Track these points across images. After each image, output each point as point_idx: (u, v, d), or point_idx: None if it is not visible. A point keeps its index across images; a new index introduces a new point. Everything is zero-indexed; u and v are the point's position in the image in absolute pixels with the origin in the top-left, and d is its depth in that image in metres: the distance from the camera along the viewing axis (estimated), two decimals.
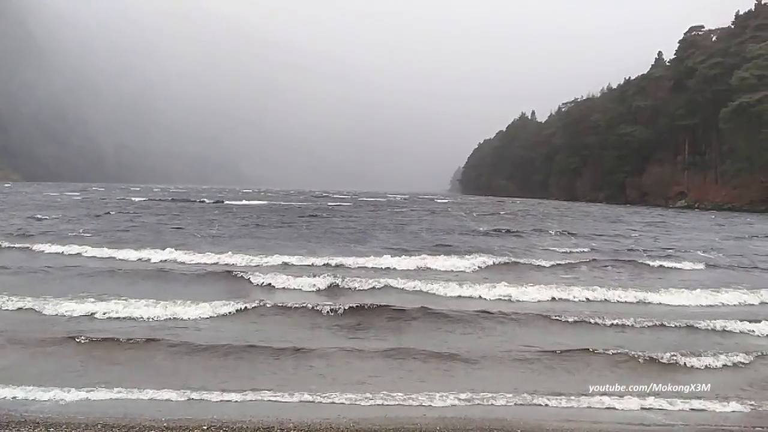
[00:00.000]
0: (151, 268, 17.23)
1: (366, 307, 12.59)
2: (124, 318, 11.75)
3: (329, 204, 68.38)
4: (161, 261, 18.39)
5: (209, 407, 7.67)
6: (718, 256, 23.95)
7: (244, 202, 67.88)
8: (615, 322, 12.19)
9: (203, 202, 65.26)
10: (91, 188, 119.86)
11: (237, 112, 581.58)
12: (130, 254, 19.15)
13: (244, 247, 21.38)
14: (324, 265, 18.21)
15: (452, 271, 18.32)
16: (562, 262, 20.10)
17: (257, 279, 15.37)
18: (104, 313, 11.91)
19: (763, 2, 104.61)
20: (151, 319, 11.68)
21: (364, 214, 47.58)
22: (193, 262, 18.36)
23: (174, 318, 11.77)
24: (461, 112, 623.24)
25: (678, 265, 20.56)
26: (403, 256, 19.65)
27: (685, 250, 25.74)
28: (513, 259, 20.14)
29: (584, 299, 14.43)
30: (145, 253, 19.10)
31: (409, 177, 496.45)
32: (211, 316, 11.93)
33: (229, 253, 19.29)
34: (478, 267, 18.78)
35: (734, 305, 14.56)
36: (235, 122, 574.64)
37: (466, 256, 19.97)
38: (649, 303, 14.50)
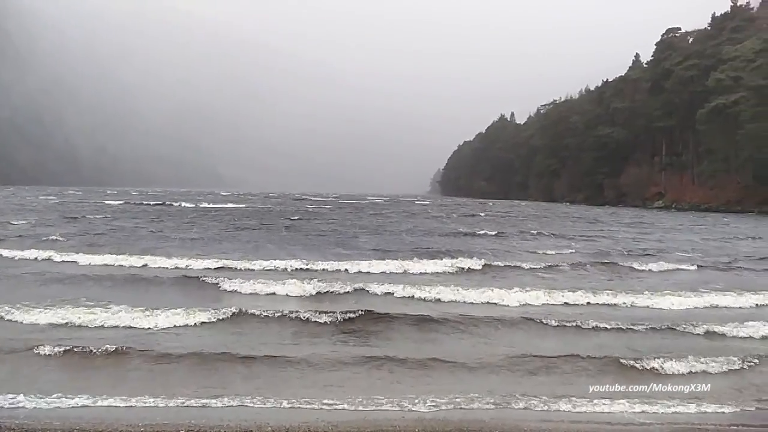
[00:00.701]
0: (125, 274, 16.90)
1: (346, 312, 12.35)
2: (96, 327, 11.41)
3: (308, 207, 67.89)
4: (136, 266, 18.04)
5: (186, 412, 7.57)
6: (701, 256, 24.05)
7: (224, 205, 67.28)
8: (598, 325, 12.10)
9: (180, 205, 64.61)
10: (67, 191, 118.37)
11: (216, 115, 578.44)
12: (104, 259, 18.82)
13: (223, 251, 21.22)
14: (304, 269, 17.96)
15: (435, 273, 18.22)
16: (546, 265, 20.04)
17: (234, 285, 15.08)
18: (76, 321, 11.60)
19: (738, 4, 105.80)
20: (124, 327, 11.36)
21: (343, 217, 47.31)
22: (169, 266, 18.03)
23: (148, 326, 11.47)
24: (441, 114, 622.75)
25: (662, 267, 20.57)
26: (387, 260, 19.46)
27: (668, 251, 25.84)
28: (496, 262, 20.06)
29: (568, 302, 14.33)
30: (119, 258, 18.78)
31: (388, 179, 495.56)
32: (187, 324, 11.63)
33: (210, 257, 19.11)
34: (462, 269, 18.70)
35: (721, 307, 14.53)
36: (214, 125, 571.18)
37: (448, 259, 19.91)
38: (634, 306, 14.42)
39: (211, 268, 17.73)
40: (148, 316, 11.77)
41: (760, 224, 51.73)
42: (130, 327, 11.39)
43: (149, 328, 11.35)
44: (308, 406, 7.87)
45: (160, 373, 9.18)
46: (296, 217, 44.21)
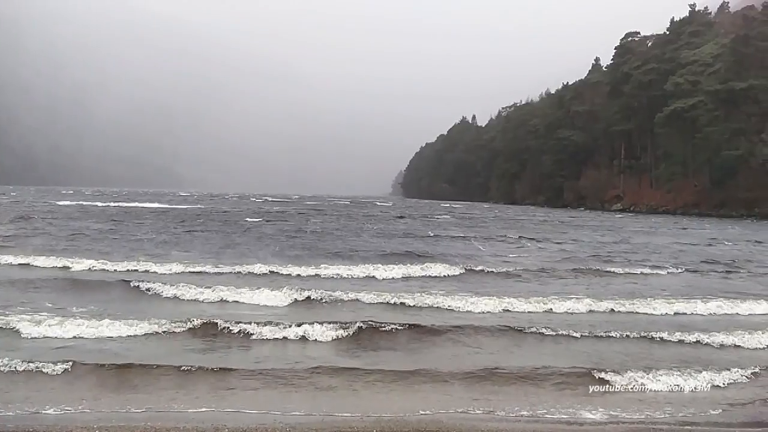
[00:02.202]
0: (67, 278, 16.08)
1: (310, 321, 11.68)
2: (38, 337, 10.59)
3: (264, 208, 66.84)
4: (77, 270, 17.09)
5: (140, 416, 7.37)
6: (680, 261, 23.87)
7: (182, 206, 66.05)
8: (573, 333, 11.69)
9: (115, 205, 63.16)
10: (18, 190, 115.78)
11: (176, 115, 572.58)
12: (47, 262, 17.93)
13: (176, 255, 20.65)
14: (262, 274, 17.40)
15: (406, 278, 17.77)
16: (523, 269, 19.74)
17: (173, 291, 14.25)
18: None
19: (697, 9, 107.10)
20: (71, 337, 10.57)
21: (304, 219, 46.44)
22: (108, 270, 17.17)
23: (96, 337, 10.70)
24: (403, 114, 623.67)
25: (641, 271, 20.54)
26: (360, 265, 18.97)
27: (643, 255, 25.76)
28: (473, 266, 19.59)
29: (553, 309, 13.88)
30: (62, 262, 17.85)
31: (350, 181, 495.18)
32: (136, 335, 10.87)
33: (168, 261, 18.41)
34: (438, 275, 18.21)
35: (706, 315, 14.19)
36: (174, 124, 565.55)
37: (421, 264, 19.42)
38: (614, 311, 14.04)
39: (157, 272, 16.98)
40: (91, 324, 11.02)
41: (722, 227, 52.26)
42: (78, 336, 10.65)
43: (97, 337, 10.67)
44: (264, 411, 7.63)
45: (117, 381, 8.71)
46: (259, 219, 43.15)
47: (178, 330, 11.00)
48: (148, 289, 14.39)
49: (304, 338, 10.90)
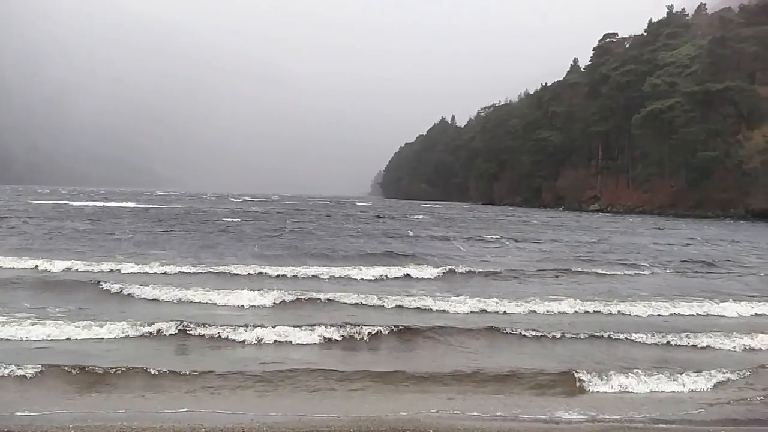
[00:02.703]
0: (42, 278, 15.84)
1: (290, 323, 11.59)
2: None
3: (243, 208, 66.37)
4: (53, 271, 16.75)
5: (116, 415, 7.34)
6: (660, 261, 23.91)
7: (160, 206, 65.51)
8: (555, 334, 11.63)
9: (90, 205, 62.56)
10: None
11: (154, 114, 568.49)
12: (22, 262, 17.58)
13: (154, 255, 20.42)
14: (240, 274, 17.25)
15: (388, 278, 17.63)
16: (500, 270, 19.66)
17: (150, 292, 14.04)
18: None
19: (674, 11, 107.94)
20: (45, 339, 10.38)
21: (283, 219, 46.12)
22: (84, 270, 16.87)
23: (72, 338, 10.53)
24: (384, 112, 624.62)
25: (623, 272, 20.51)
26: (339, 266, 18.88)
27: (625, 256, 25.64)
28: (450, 267, 19.37)
29: (536, 311, 13.82)
30: (37, 262, 17.47)
31: (329, 181, 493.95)
32: (112, 337, 10.70)
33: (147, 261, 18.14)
34: (419, 277, 18.04)
35: (687, 315, 14.20)
36: (153, 124, 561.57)
37: (406, 265, 19.31)
38: (597, 312, 14.04)
39: (148, 273, 16.82)
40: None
41: (699, 227, 52.64)
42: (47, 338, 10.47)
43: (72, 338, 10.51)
44: (241, 412, 7.55)
45: (94, 383, 8.61)
46: (238, 219, 42.75)
47: (154, 331, 10.82)
48: (124, 291, 14.16)
49: (282, 339, 10.78)
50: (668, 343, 11.47)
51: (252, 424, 7.00)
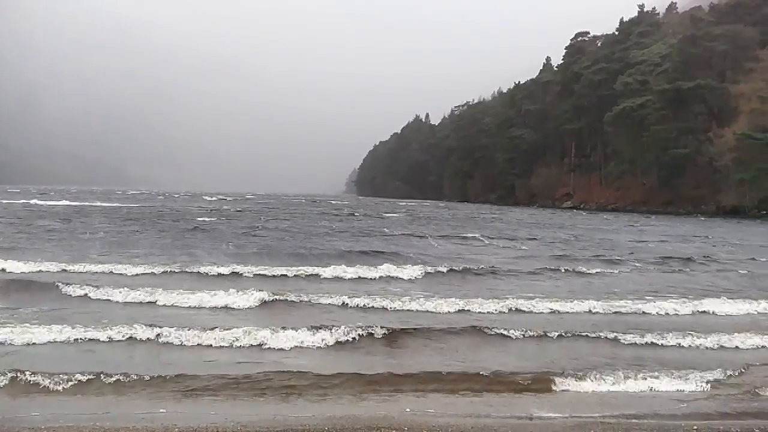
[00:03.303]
0: (7, 279, 15.28)
1: (265, 325, 11.35)
2: None
3: (217, 207, 65.75)
4: (19, 272, 16.13)
5: (88, 416, 7.24)
6: (639, 257, 23.92)
7: (133, 205, 64.80)
8: (526, 333, 11.51)
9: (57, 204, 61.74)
10: None
11: (126, 113, 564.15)
12: None
13: (125, 255, 20.02)
14: (215, 275, 16.85)
15: (358, 278, 17.28)
16: (479, 267, 19.51)
17: (123, 293, 13.61)
18: None
19: (645, 9, 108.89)
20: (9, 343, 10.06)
21: (258, 218, 45.68)
22: (53, 271, 16.41)
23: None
24: (357, 112, 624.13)
25: (604, 269, 20.41)
26: (316, 265, 18.52)
27: (604, 253, 25.61)
28: (428, 265, 19.21)
29: (521, 309, 13.70)
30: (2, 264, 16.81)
31: (304, 179, 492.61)
32: (83, 339, 10.39)
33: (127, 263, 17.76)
34: (389, 276, 17.71)
35: (665, 314, 14.08)
36: (124, 123, 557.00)
37: (369, 265, 19.02)
38: (577, 312, 13.91)
39: (120, 274, 16.44)
40: None
41: (672, 224, 53.26)
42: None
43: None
44: (214, 412, 7.53)
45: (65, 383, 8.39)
46: (212, 218, 42.13)
47: (126, 334, 10.52)
48: (93, 292, 13.76)
49: (258, 341, 10.53)
50: (649, 342, 11.38)
51: (226, 423, 6.94)
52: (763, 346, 11.44)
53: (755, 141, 68.27)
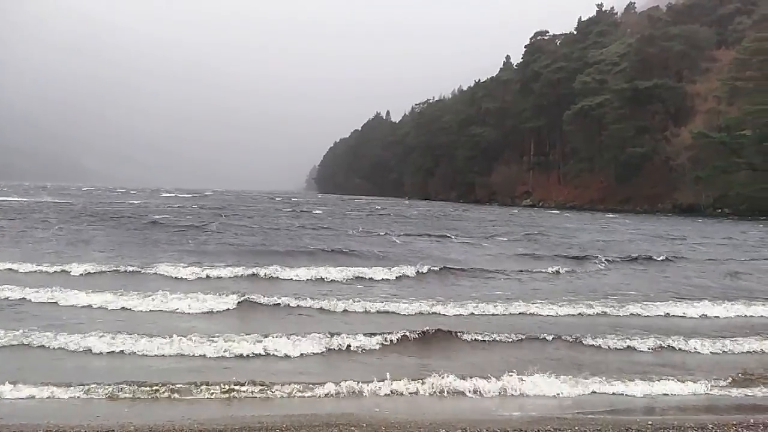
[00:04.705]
0: None
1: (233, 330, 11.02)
2: None
3: (176, 204, 64.37)
4: None
5: (42, 414, 7.20)
6: (608, 256, 23.58)
7: (86, 200, 63.24)
8: (493, 337, 11.32)
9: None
10: None
11: (81, 107, 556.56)
12: None
13: (80, 254, 19.44)
14: (173, 277, 16.15)
15: (321, 279, 16.76)
16: (450, 267, 19.10)
17: (75, 296, 12.91)
18: None
19: (603, 9, 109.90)
20: None
21: (219, 215, 44.48)
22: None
23: None
24: (316, 113, 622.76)
25: (573, 268, 20.26)
26: (302, 268, 17.65)
27: (572, 251, 25.32)
28: (396, 266, 18.55)
29: (473, 312, 13.37)
30: None
31: (264, 175, 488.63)
32: None
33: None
34: (358, 277, 17.19)
35: (634, 315, 13.83)
36: (80, 116, 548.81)
37: (339, 266, 18.29)
38: (545, 315, 13.57)
39: (72, 274, 15.77)
40: None
41: (634, 222, 53.81)
42: None
43: None
44: (172, 410, 7.57)
45: None
46: (169, 215, 40.54)
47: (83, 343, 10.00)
48: (28, 297, 12.99)
49: (221, 347, 10.10)
50: (613, 346, 11.21)
51: (183, 422, 6.93)
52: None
53: (711, 140, 69.14)
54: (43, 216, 34.98)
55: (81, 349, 9.82)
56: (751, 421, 7.25)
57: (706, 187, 72.37)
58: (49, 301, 12.76)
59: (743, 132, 67.24)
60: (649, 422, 7.16)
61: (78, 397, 7.98)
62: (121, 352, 9.80)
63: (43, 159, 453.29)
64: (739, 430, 7.01)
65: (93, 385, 8.18)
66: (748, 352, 11.32)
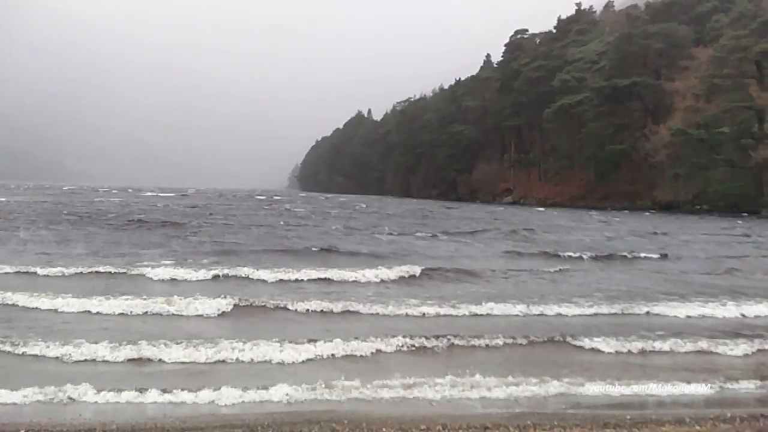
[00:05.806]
0: None
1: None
2: None
3: (158, 203, 64.06)
4: None
5: (26, 409, 7.34)
6: (594, 254, 23.55)
7: (66, 200, 62.78)
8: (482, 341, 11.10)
9: None
10: None
11: (59, 106, 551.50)
12: None
13: (60, 256, 19.32)
14: (158, 280, 15.86)
15: (303, 280, 16.34)
16: (438, 267, 18.84)
17: (49, 301, 12.48)
18: None
19: (582, 8, 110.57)
20: None
21: (202, 213, 44.50)
22: None
23: None
24: (296, 116, 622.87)
25: (560, 267, 19.96)
26: (260, 267, 17.25)
27: (557, 249, 25.06)
28: (387, 266, 18.10)
29: (466, 313, 13.12)
30: None
31: (246, 174, 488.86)
32: None
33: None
34: (344, 281, 16.67)
35: (620, 314, 13.62)
36: (60, 116, 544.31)
37: (328, 267, 17.97)
38: (530, 315, 13.34)
39: (52, 275, 15.47)
40: None
41: (621, 218, 54.28)
42: None
43: None
44: (152, 402, 7.61)
45: None
46: (152, 214, 40.36)
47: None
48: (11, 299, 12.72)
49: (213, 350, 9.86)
50: (591, 347, 10.99)
51: (165, 420, 6.94)
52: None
53: (690, 137, 69.77)
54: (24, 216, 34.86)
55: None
56: (728, 414, 7.38)
57: (684, 183, 72.95)
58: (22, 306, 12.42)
59: (721, 129, 67.81)
60: (628, 417, 7.25)
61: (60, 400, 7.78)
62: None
63: (24, 159, 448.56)
64: (717, 423, 7.12)
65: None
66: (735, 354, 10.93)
